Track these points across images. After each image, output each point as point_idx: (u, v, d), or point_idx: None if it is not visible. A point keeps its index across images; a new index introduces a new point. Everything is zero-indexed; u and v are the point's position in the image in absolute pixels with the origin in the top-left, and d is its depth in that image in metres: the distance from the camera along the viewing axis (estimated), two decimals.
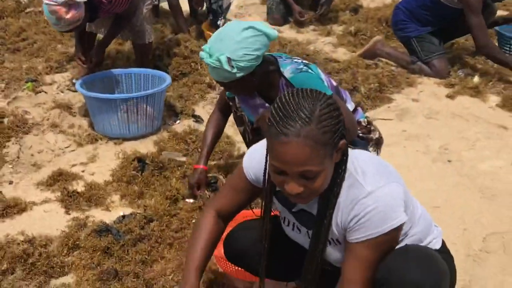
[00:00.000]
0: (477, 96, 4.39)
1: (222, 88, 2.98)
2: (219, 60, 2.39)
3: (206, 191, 3.01)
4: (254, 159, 1.87)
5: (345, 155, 1.66)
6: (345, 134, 1.62)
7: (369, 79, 4.42)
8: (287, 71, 2.55)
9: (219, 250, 2.19)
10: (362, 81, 4.38)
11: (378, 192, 1.63)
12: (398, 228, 1.66)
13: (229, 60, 2.39)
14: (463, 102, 4.34)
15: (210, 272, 2.46)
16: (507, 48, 4.99)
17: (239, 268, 2.22)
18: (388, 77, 4.56)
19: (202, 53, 2.48)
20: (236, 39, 2.39)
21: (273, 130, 1.55)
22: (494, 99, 4.35)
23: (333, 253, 1.81)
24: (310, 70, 2.57)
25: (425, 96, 4.44)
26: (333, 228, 1.74)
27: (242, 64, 2.41)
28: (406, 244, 1.75)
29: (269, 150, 1.62)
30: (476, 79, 4.58)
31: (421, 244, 1.81)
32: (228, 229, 2.10)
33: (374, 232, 1.63)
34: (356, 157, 1.72)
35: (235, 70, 2.41)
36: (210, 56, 2.43)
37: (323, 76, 2.65)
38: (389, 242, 1.68)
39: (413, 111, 4.20)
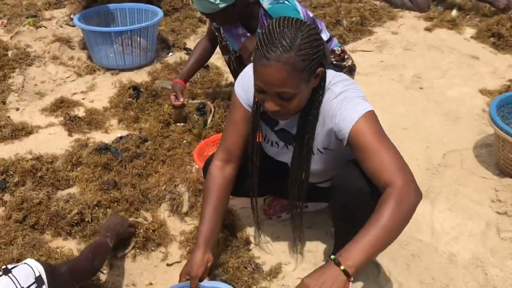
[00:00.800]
0: (453, 28, 4.64)
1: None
2: None
3: (183, 99, 3.19)
4: (245, 81, 2.06)
5: (322, 81, 1.87)
6: (324, 62, 1.82)
7: (351, 12, 4.65)
8: (266, 2, 2.78)
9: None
10: (344, 14, 4.61)
11: (347, 92, 1.86)
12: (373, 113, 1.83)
13: None
14: (440, 34, 4.59)
15: None
16: None
17: None
18: (371, 11, 4.78)
19: None
20: None
21: (258, 53, 1.76)
22: (469, 31, 4.60)
23: (314, 163, 2.05)
24: (286, 2, 2.80)
25: (405, 29, 4.69)
26: (317, 137, 1.96)
27: None
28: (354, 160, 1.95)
29: (253, 70, 1.82)
30: (454, 12, 4.81)
31: None
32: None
33: (353, 117, 1.80)
34: (331, 75, 1.92)
35: (217, 1, 2.65)
36: None
37: (299, 7, 2.88)
38: (374, 122, 1.83)
39: (391, 43, 4.45)
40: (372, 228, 1.65)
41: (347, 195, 1.85)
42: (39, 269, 1.63)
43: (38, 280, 1.61)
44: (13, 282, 1.55)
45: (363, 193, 1.84)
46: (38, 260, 1.70)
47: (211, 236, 2.08)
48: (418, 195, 1.74)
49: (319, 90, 1.87)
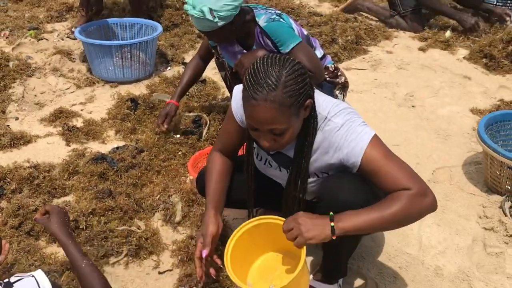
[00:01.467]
0: (447, 49, 4.74)
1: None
2: (202, 11, 2.68)
3: (167, 125, 3.23)
4: (240, 100, 2.06)
5: (313, 111, 1.93)
6: (311, 93, 1.90)
7: (347, 31, 4.74)
8: (262, 20, 2.86)
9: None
10: (340, 33, 4.70)
11: (349, 122, 1.92)
12: (377, 137, 1.92)
13: (211, 10, 2.68)
14: (433, 54, 4.68)
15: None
16: None
17: None
18: (366, 30, 4.88)
19: (186, 6, 2.76)
20: None
21: (246, 93, 1.84)
22: (462, 52, 4.69)
23: (310, 184, 2.11)
24: (282, 20, 2.88)
25: (399, 49, 4.78)
26: (315, 164, 2.03)
27: (222, 13, 2.70)
28: (343, 172, 2.01)
29: (244, 110, 1.90)
30: (448, 33, 4.91)
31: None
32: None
33: (361, 147, 1.88)
34: (330, 105, 1.98)
35: (216, 20, 2.72)
36: (194, 7, 2.71)
37: (294, 25, 2.96)
38: (380, 145, 1.91)
39: (385, 62, 4.54)
40: (376, 212, 1.81)
41: (332, 207, 1.90)
42: (45, 285, 1.55)
43: None
44: None
45: (348, 204, 1.90)
46: (49, 275, 1.62)
47: (219, 203, 2.19)
48: (432, 205, 1.89)
49: (310, 119, 1.94)
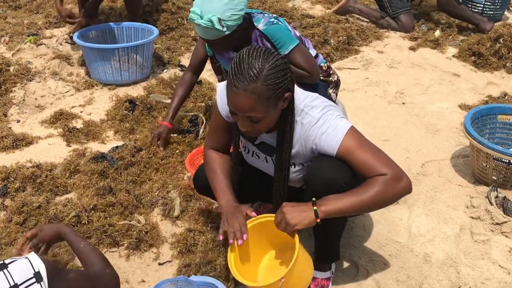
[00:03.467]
0: (436, 48, 4.86)
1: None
2: (211, 21, 2.70)
3: (162, 148, 3.31)
4: (224, 97, 2.17)
5: (291, 103, 2.04)
6: (291, 87, 2.01)
7: (339, 32, 4.85)
8: (261, 24, 2.92)
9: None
10: (332, 34, 4.81)
11: (325, 116, 2.05)
12: (353, 128, 2.04)
13: (219, 20, 2.72)
14: (423, 53, 4.80)
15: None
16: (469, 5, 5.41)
17: None
18: (357, 31, 4.99)
19: (192, 15, 2.76)
20: (224, 1, 2.72)
21: (229, 80, 1.97)
22: (451, 51, 4.80)
23: (296, 173, 2.23)
24: (280, 23, 2.97)
25: (390, 48, 4.89)
26: (297, 154, 2.15)
27: (230, 23, 2.75)
28: (323, 155, 2.12)
29: (226, 95, 2.01)
30: (437, 33, 5.03)
31: None
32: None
33: (337, 139, 2.01)
34: (306, 98, 2.12)
35: (224, 29, 2.77)
36: (201, 17, 2.73)
37: (289, 27, 3.06)
38: (355, 135, 2.03)
39: (377, 61, 4.65)
40: (355, 196, 1.96)
41: (318, 187, 2.03)
42: (39, 265, 1.59)
43: (37, 275, 1.57)
44: (6, 278, 1.52)
45: (332, 182, 2.02)
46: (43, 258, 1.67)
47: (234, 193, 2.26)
48: (406, 187, 2.01)
49: (288, 111, 2.05)
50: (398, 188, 1.98)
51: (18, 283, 1.51)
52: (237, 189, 2.31)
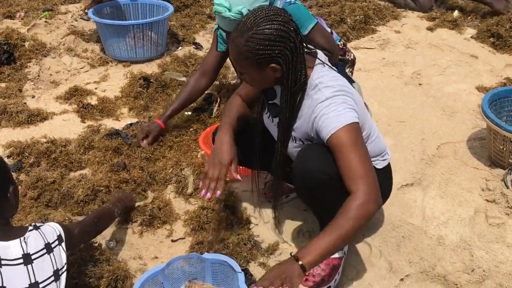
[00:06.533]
0: (454, 28, 4.79)
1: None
2: (240, 13, 2.65)
3: (147, 144, 3.14)
4: None
5: (284, 77, 2.00)
6: (281, 62, 1.96)
7: (356, 11, 4.79)
8: (279, 4, 2.90)
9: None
10: (349, 13, 4.76)
11: (334, 99, 2.01)
12: (356, 125, 1.99)
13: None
14: (441, 34, 4.73)
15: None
16: None
17: None
18: (374, 10, 4.93)
19: (219, 8, 2.68)
20: None
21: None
22: (470, 32, 4.73)
23: (293, 149, 2.22)
24: (297, 2, 2.93)
25: (407, 28, 4.83)
26: (301, 126, 2.13)
27: None
28: (317, 144, 2.10)
29: None
30: (456, 13, 4.96)
31: None
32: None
33: (335, 126, 1.97)
34: (324, 76, 2.08)
35: None
36: (229, 10, 2.67)
37: None
38: (353, 133, 1.97)
39: (394, 41, 4.59)
40: (333, 233, 1.85)
41: (302, 176, 2.03)
42: (59, 229, 1.85)
43: (59, 238, 1.82)
44: (42, 236, 1.76)
45: (316, 175, 2.01)
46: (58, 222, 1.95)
47: (236, 124, 2.33)
48: (375, 205, 1.92)
49: (283, 81, 2.02)
50: (370, 212, 1.89)
51: (50, 242, 1.78)
52: (256, 158, 2.36)
